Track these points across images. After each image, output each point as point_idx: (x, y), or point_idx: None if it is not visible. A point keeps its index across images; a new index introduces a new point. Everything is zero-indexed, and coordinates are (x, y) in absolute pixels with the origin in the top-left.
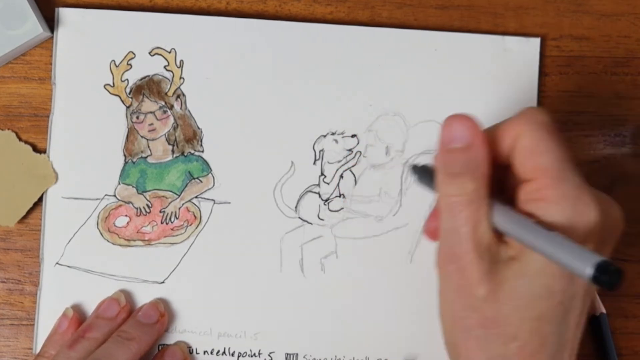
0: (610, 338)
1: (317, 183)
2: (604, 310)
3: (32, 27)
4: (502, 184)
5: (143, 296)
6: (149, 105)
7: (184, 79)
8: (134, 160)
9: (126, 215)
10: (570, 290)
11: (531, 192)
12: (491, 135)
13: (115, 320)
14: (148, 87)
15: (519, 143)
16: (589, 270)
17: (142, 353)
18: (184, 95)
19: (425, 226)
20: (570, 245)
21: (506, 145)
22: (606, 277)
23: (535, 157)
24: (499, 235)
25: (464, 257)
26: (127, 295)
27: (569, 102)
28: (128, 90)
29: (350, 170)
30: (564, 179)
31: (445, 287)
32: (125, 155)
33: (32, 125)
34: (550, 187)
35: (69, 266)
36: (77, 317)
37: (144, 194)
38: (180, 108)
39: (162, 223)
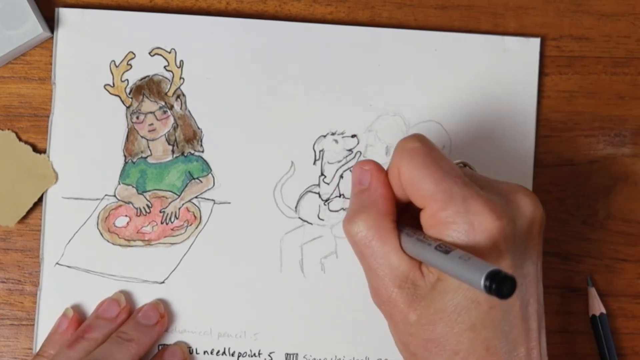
0: (610, 338)
1: (317, 183)
2: (604, 310)
3: (32, 27)
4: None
5: (143, 296)
6: (149, 105)
7: (184, 79)
8: (134, 160)
9: (126, 216)
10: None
11: (428, 219)
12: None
13: (115, 321)
14: (148, 87)
15: (402, 178)
16: (481, 281)
17: (141, 354)
18: (184, 95)
19: None
20: (467, 260)
21: (396, 182)
22: (496, 285)
23: (416, 187)
24: (419, 262)
25: (386, 292)
26: (127, 295)
27: (569, 102)
28: (128, 90)
29: (350, 170)
30: (449, 199)
31: (386, 319)
32: (125, 156)
33: (32, 125)
34: (440, 210)
35: (69, 266)
36: (77, 317)
37: (144, 194)
38: (180, 108)
39: (162, 223)
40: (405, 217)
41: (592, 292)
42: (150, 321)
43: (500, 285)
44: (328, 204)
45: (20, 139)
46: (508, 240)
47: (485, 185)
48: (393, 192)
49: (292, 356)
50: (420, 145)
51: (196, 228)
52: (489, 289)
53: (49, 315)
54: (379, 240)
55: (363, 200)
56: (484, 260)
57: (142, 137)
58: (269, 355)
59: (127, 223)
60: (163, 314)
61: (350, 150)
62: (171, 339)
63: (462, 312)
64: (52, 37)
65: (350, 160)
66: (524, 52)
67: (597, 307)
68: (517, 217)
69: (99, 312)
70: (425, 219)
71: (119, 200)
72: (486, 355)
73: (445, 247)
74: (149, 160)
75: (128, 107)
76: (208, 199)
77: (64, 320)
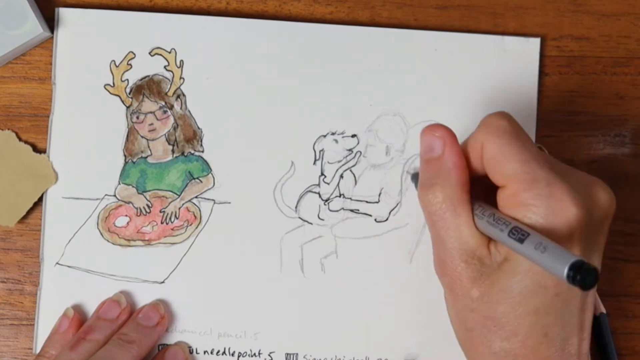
0: (611, 338)
1: (317, 183)
2: (604, 310)
3: (32, 27)
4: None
5: (143, 296)
6: (149, 105)
7: (184, 79)
8: (134, 160)
9: (126, 215)
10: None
11: (507, 198)
12: (464, 147)
13: (116, 322)
14: (148, 87)
15: (485, 154)
16: (565, 271)
17: (142, 355)
18: (184, 95)
19: None
20: (546, 248)
21: (476, 157)
22: (580, 276)
23: (500, 165)
24: (489, 238)
25: (452, 265)
26: (128, 295)
27: (569, 102)
28: (128, 90)
29: (351, 170)
30: (533, 180)
31: (445, 291)
32: (125, 155)
33: (32, 125)
34: (522, 191)
35: (69, 266)
36: (78, 317)
37: (144, 193)
38: (181, 108)
39: (162, 223)
40: (476, 190)
41: (592, 292)
42: (151, 322)
43: (585, 276)
44: (328, 203)
45: (20, 139)
46: (583, 230)
47: (565, 173)
48: (466, 163)
49: (292, 356)
50: (507, 124)
51: (196, 228)
52: (572, 279)
53: (49, 315)
54: (453, 212)
55: (438, 168)
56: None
57: (142, 137)
58: (269, 355)
59: (127, 223)
60: (163, 314)
61: (350, 150)
62: (171, 338)
63: (528, 296)
64: (52, 37)
65: (350, 160)
66: (524, 52)
67: (597, 307)
68: (594, 208)
69: (100, 313)
70: (503, 197)
71: (119, 200)
72: (544, 340)
73: (520, 232)
74: (149, 160)
75: (128, 107)
76: (208, 199)
77: (65, 320)
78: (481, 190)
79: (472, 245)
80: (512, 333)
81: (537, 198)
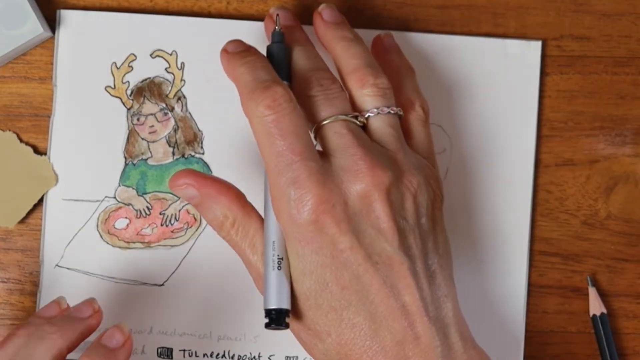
0: (611, 338)
1: None
2: (604, 310)
3: (32, 27)
4: None
5: (142, 298)
6: (149, 107)
7: (185, 81)
8: (135, 162)
9: (126, 217)
10: (351, 273)
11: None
12: None
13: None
14: (149, 89)
15: None
16: (270, 306)
17: (69, 347)
18: (184, 97)
19: None
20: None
21: None
22: (274, 320)
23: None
24: None
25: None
26: (127, 298)
27: (570, 101)
28: (129, 92)
29: None
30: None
31: None
32: (125, 157)
33: (32, 125)
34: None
35: (68, 268)
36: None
37: (144, 196)
38: (181, 110)
39: (162, 225)
40: None
41: (593, 292)
42: (82, 314)
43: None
44: None
45: (21, 140)
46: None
47: None
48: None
49: (292, 359)
50: None
51: (196, 230)
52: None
53: None
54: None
55: (210, 207)
56: None
57: (142, 138)
58: (269, 358)
59: (127, 225)
60: (97, 309)
61: None
62: (171, 342)
63: (318, 296)
64: (52, 37)
65: None
66: (525, 55)
67: (598, 307)
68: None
69: (39, 311)
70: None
71: (119, 202)
72: (351, 332)
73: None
74: (150, 162)
75: (129, 109)
76: None
77: (55, 307)
78: None
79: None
80: (326, 334)
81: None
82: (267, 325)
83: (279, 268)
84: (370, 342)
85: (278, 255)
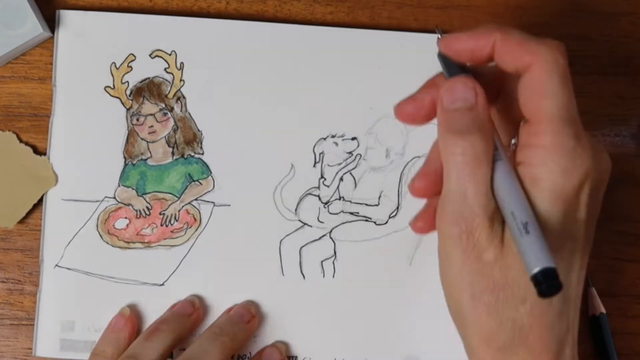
0: (611, 338)
1: (317, 186)
2: (604, 310)
3: (32, 27)
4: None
5: (142, 298)
6: (149, 107)
7: (184, 81)
8: (134, 162)
9: (126, 218)
10: (570, 248)
11: (530, 136)
12: (505, 47)
13: (190, 319)
14: (148, 90)
15: (528, 76)
16: (534, 271)
17: (235, 349)
18: (184, 97)
19: (413, 222)
20: (537, 241)
21: (513, 63)
22: (546, 286)
23: (541, 98)
24: None
25: (472, 220)
26: (127, 298)
27: None
28: (128, 92)
29: (350, 173)
30: (563, 129)
31: (449, 252)
32: (125, 157)
33: (32, 125)
34: (550, 135)
35: (68, 268)
36: (133, 317)
37: (144, 196)
38: (181, 110)
39: (161, 225)
40: None
41: (592, 292)
42: (243, 318)
43: (548, 287)
44: (328, 206)
45: (20, 140)
46: (592, 185)
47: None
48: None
49: (292, 359)
50: (566, 63)
51: (196, 230)
52: (536, 283)
53: (48, 317)
54: (487, 166)
55: (472, 119)
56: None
57: (142, 139)
58: None
59: (127, 225)
60: (254, 314)
61: (350, 152)
62: None
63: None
64: (52, 37)
65: (350, 163)
66: None
67: (597, 307)
68: (601, 168)
69: (175, 309)
70: (525, 133)
71: (118, 202)
72: (547, 309)
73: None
74: (149, 162)
75: (128, 109)
76: (208, 201)
77: (121, 319)
78: None
79: (494, 202)
80: (521, 300)
81: (561, 148)
82: (541, 293)
83: (527, 232)
84: (557, 322)
85: (521, 221)
